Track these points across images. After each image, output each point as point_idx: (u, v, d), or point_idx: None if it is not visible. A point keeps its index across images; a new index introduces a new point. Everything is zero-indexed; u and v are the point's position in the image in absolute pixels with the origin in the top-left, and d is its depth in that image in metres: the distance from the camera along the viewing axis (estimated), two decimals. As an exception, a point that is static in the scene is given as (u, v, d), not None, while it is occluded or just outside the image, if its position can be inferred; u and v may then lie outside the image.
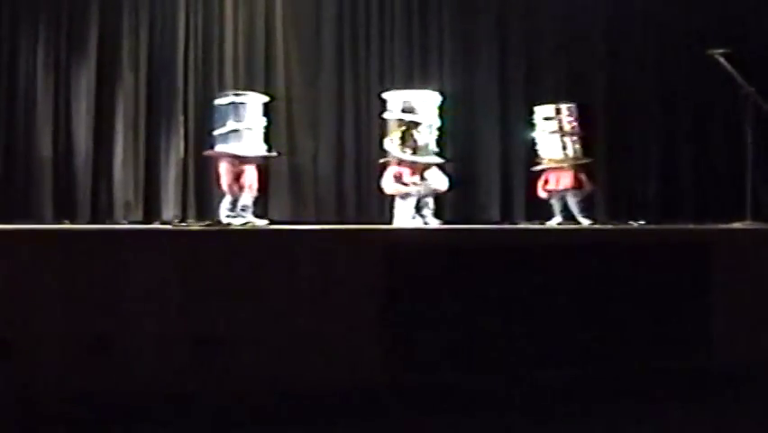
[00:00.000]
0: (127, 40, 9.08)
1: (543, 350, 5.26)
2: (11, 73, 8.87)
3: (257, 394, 4.68)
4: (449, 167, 8.48)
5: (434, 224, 7.98)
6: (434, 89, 8.43)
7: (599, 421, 4.67)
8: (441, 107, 8.17)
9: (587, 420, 4.69)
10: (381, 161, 8.21)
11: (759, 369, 5.42)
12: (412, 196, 8.01)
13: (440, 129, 8.12)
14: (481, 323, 5.17)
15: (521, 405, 4.89)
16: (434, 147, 8.06)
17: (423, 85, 9.27)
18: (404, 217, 7.96)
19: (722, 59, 7.20)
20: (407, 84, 9.41)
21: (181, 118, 8.88)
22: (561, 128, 8.78)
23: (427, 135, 8.01)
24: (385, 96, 8.19)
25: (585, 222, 8.58)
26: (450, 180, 8.26)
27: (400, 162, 7.99)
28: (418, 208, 8.06)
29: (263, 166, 8.32)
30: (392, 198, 8.16)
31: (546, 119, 8.86)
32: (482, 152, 9.99)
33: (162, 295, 4.69)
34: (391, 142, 7.98)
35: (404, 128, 7.93)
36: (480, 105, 9.98)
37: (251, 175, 8.02)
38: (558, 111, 8.83)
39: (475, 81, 9.34)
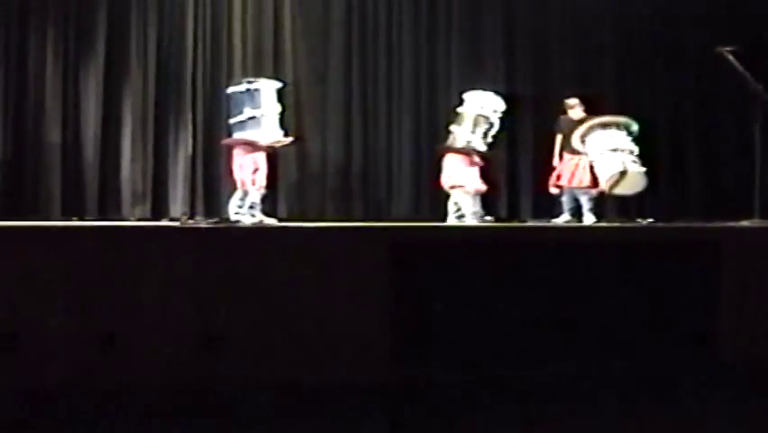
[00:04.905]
0: (135, 35, 9.07)
1: (549, 347, 5.26)
2: (20, 72, 8.88)
3: (264, 390, 4.70)
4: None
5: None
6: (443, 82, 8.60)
7: (605, 418, 4.67)
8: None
9: (594, 417, 4.69)
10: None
11: (768, 366, 5.42)
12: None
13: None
14: (490, 320, 5.17)
15: (527, 402, 4.89)
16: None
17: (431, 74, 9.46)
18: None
19: (731, 57, 7.18)
20: (416, 73, 9.46)
21: (190, 115, 8.91)
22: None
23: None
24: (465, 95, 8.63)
25: (591, 220, 8.44)
26: None
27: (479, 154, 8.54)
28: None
29: (273, 157, 8.35)
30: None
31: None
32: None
33: (170, 291, 4.71)
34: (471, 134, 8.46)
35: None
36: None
37: (262, 170, 8.02)
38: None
39: (482, 73, 9.30)
